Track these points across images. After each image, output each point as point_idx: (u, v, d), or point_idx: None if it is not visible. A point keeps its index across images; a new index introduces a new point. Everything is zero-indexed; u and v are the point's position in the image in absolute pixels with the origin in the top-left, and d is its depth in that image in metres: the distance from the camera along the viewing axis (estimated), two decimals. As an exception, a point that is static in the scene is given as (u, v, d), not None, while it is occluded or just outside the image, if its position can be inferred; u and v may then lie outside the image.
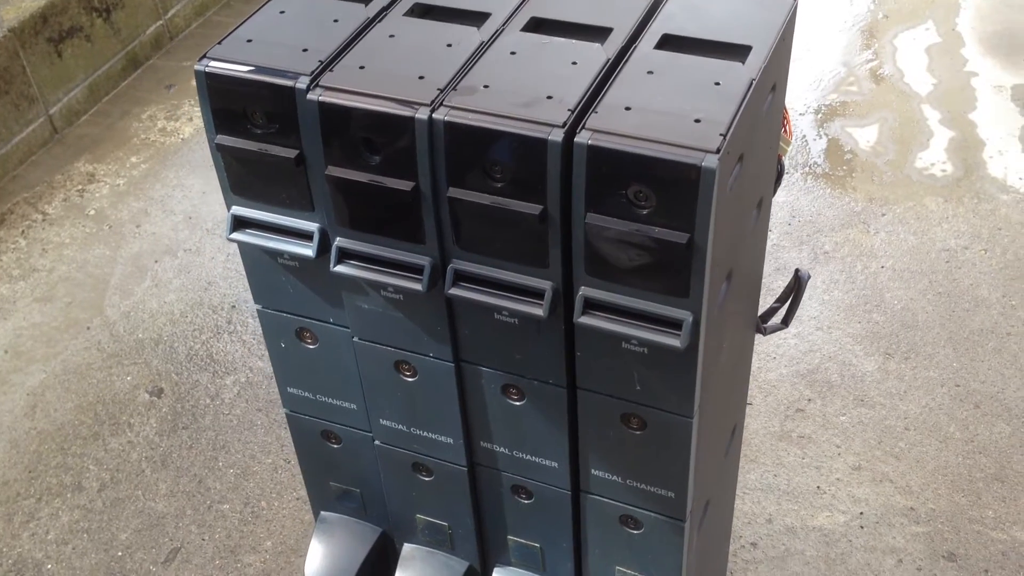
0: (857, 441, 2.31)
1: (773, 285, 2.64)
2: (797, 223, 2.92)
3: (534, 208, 1.13)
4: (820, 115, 3.36)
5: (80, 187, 3.24)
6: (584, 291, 1.18)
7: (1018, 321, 2.57)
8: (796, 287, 1.63)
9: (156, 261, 2.95)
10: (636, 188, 1.08)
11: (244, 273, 3.00)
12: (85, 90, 3.54)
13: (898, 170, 3.10)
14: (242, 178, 1.28)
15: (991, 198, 2.97)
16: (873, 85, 3.49)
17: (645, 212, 1.09)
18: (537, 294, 1.20)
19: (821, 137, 3.26)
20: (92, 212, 3.14)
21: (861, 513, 2.16)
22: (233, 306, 2.79)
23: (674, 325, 1.15)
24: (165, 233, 3.06)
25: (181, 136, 3.47)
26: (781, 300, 1.65)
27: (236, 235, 1.32)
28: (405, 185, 1.17)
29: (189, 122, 3.53)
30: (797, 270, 1.61)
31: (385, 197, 1.20)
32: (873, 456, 2.28)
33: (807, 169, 3.13)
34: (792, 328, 2.60)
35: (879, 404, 2.39)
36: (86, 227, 3.09)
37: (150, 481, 2.32)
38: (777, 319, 1.66)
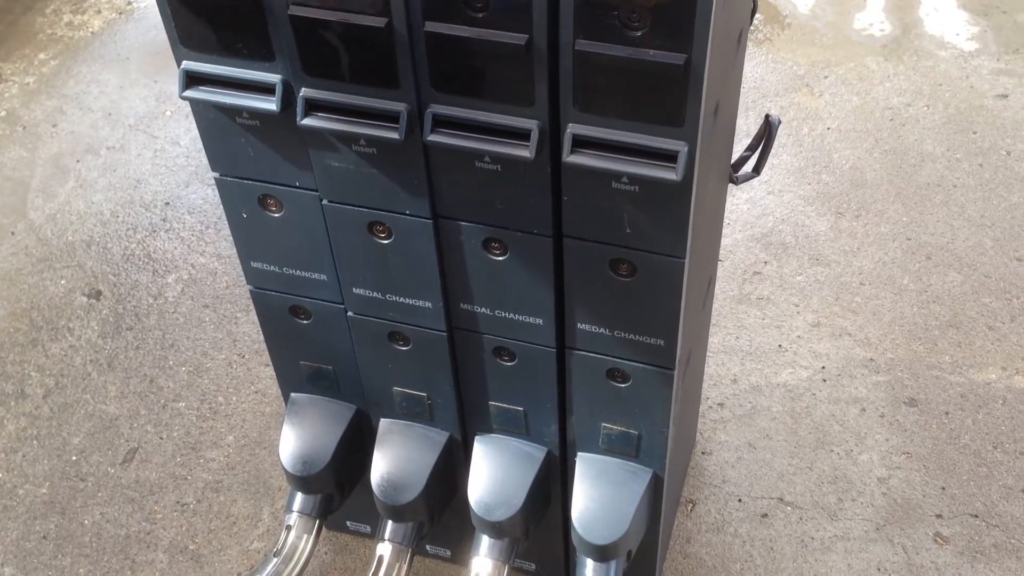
0: (815, 299, 2.33)
1: (723, 151, 2.61)
2: (742, 90, 2.88)
3: (519, 38, 1.06)
4: (756, -19, 3.30)
5: (-14, 88, 3.04)
6: (572, 128, 1.12)
7: (963, 173, 2.60)
8: (767, 133, 1.59)
9: (78, 161, 2.79)
10: (629, 8, 1.01)
11: (176, 169, 2.87)
12: (-20, -16, 3.30)
13: (838, 32, 3.07)
14: (192, 27, 1.18)
15: (930, 55, 2.97)
16: (807, -51, 3.43)
17: (639, 34, 1.03)
18: (523, 135, 1.14)
19: (759, 3, 3.21)
20: (3, 113, 2.95)
21: (823, 367, 2.19)
22: (167, 203, 2.66)
23: (669, 158, 1.11)
24: (84, 131, 2.89)
25: (90, 29, 3.26)
26: (751, 148, 1.61)
27: (189, 92, 1.22)
28: (377, 21, 1.09)
29: (97, 15, 3.32)
30: (767, 115, 1.58)
31: (355, 37, 1.11)
32: (831, 312, 2.30)
33: (748, 36, 3.08)
34: (744, 193, 2.59)
35: (834, 262, 2.41)
36: (-2, 129, 2.90)
37: (98, 384, 2.22)
38: (748, 169, 1.64)
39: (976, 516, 1.91)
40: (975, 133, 2.70)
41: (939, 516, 1.91)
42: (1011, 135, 2.70)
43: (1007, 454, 2.00)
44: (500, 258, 1.30)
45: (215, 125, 1.29)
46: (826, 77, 2.91)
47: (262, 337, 1.61)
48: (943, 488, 1.95)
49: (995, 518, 1.90)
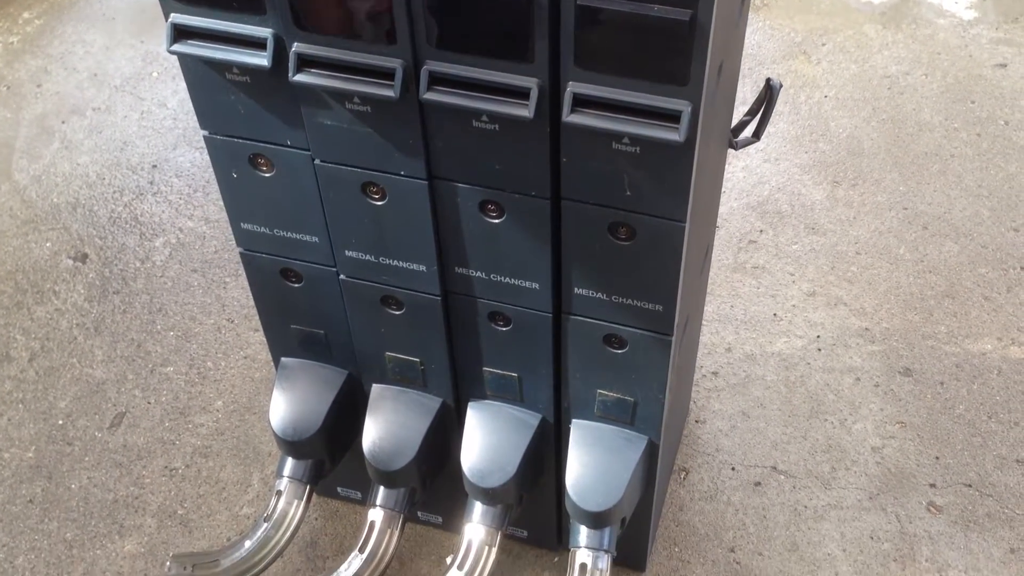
0: (810, 268, 2.31)
1: (719, 118, 2.58)
2: (738, 56, 2.85)
3: (519, -8, 1.03)
4: (754, -54, 3.25)
5: (-31, 46, 2.98)
6: (573, 86, 1.09)
7: (961, 143, 2.57)
8: (768, 98, 1.56)
9: (63, 122, 2.74)
10: (634, -39, 0.98)
11: (163, 131, 2.82)
12: (-38, -60, 3.22)
13: (836, -2, 3.04)
14: (181, -22, 1.14)
15: (929, 23, 2.93)
16: (806, -86, 3.39)
17: (644, -11, 1.00)
18: (522, 94, 1.11)
19: (756, -32, 3.17)
20: (-14, 73, 2.89)
21: (818, 336, 2.17)
22: (154, 166, 2.61)
23: (672, 118, 1.08)
24: (70, 92, 2.83)
25: (76, -12, 3.19)
26: (752, 113, 1.58)
27: (177, 47, 1.19)
28: (372, -27, 1.05)
29: (83, -27, 3.25)
30: (768, 79, 1.55)
31: (349, -11, 1.08)
32: (826, 281, 2.28)
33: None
34: (740, 160, 2.56)
35: (830, 231, 2.39)
36: (-19, 89, 2.85)
37: (84, 348, 2.19)
38: (747, 134, 1.61)
39: (970, 486, 1.90)
40: (973, 102, 2.68)
41: (933, 485, 1.90)
42: (1009, 105, 2.68)
43: (1001, 424, 2.00)
44: (496, 221, 1.27)
45: (204, 81, 1.25)
46: (824, 44, 2.88)
47: (251, 302, 1.58)
48: (937, 458, 1.95)
49: (989, 487, 1.89)
